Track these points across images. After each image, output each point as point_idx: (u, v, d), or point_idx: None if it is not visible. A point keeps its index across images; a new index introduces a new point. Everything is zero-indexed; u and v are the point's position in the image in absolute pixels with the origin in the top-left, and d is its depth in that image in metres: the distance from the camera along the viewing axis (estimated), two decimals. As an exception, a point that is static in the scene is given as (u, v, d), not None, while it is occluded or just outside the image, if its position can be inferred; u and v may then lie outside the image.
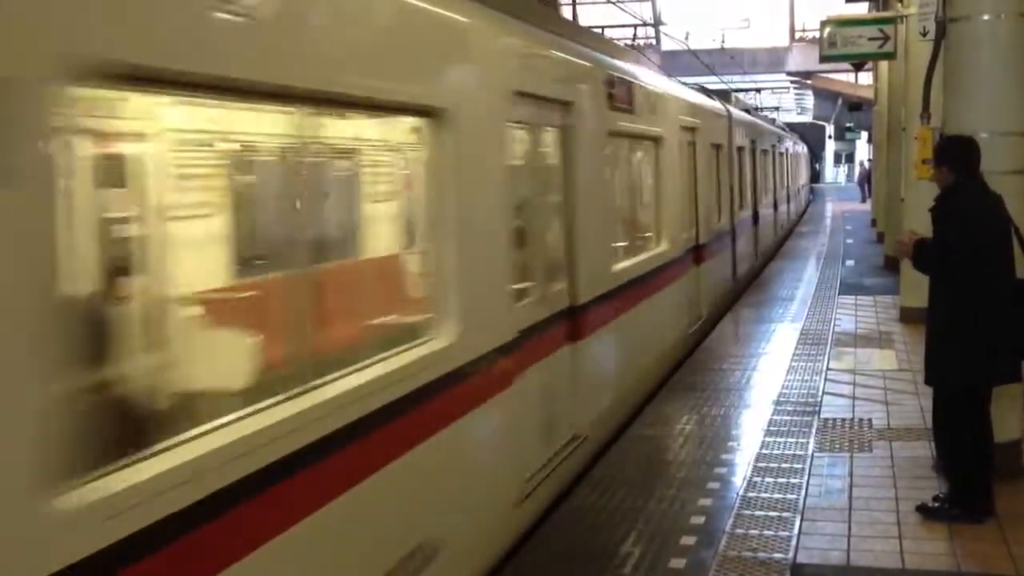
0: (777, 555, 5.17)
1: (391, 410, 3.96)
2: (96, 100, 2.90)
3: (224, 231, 3.90)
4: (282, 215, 3.76)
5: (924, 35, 10.84)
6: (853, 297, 14.34)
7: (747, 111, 20.60)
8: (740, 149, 15.96)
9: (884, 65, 19.04)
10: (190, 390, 3.38)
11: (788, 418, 7.85)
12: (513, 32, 5.80)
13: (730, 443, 7.29)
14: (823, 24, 13.99)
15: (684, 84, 13.36)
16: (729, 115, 14.91)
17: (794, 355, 10.30)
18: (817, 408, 8.15)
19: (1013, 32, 6.38)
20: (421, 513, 4.32)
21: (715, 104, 14.34)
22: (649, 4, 27.29)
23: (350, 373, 3.81)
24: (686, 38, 32.71)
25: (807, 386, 8.91)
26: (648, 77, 9.63)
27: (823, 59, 14.28)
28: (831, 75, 38.23)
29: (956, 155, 5.71)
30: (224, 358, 3.58)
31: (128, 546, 2.54)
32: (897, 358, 10.05)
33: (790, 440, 7.23)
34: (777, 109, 49.00)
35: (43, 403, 2.35)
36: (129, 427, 3.02)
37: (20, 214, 2.30)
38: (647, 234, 9.46)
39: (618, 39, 21.85)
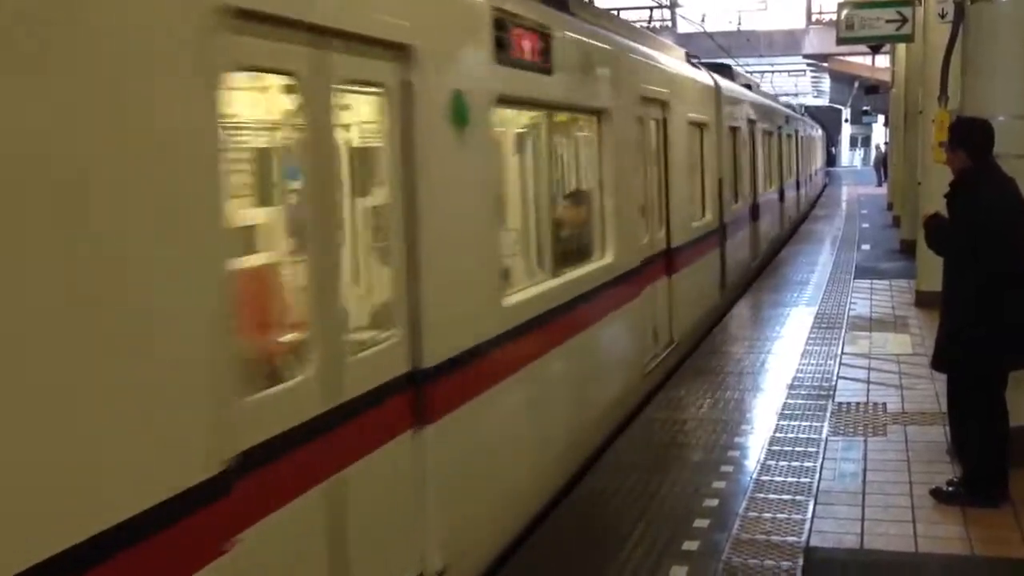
0: (790, 538, 5.18)
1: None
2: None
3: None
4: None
5: (943, 17, 10.77)
6: (868, 281, 14.29)
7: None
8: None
9: (901, 48, 18.92)
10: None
11: (802, 402, 7.85)
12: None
13: (744, 427, 7.30)
14: (840, 6, 13.89)
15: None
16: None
17: (809, 339, 10.28)
18: (831, 392, 8.14)
19: (1033, 14, 6.33)
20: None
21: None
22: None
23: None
24: (702, 20, 32.58)
25: (822, 370, 8.90)
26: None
27: (840, 41, 14.18)
28: (848, 58, 37.98)
29: (972, 138, 5.68)
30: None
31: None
32: (912, 342, 10.03)
33: (804, 424, 7.23)
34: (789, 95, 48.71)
35: None
36: None
37: None
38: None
39: (633, 22, 21.81)
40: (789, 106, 29.84)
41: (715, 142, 11.98)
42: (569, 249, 6.94)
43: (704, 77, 12.08)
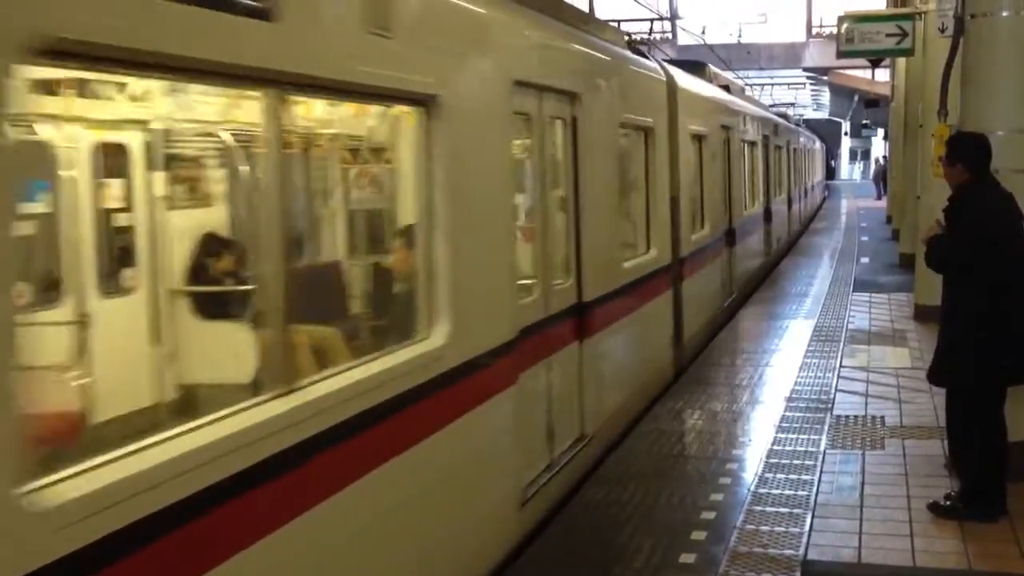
0: (788, 551, 5.17)
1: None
2: None
3: None
4: None
5: (942, 31, 10.80)
6: (867, 294, 14.29)
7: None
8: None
9: (901, 62, 18.96)
10: None
11: (800, 415, 7.84)
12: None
13: (742, 439, 7.29)
14: (840, 20, 13.93)
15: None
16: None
17: (807, 352, 10.27)
18: (830, 405, 8.13)
19: (1032, 29, 6.34)
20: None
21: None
22: (666, -2, 27.42)
23: None
24: (702, 32, 32.66)
25: (820, 383, 8.89)
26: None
27: (840, 55, 14.21)
28: (848, 71, 38.10)
29: (970, 153, 5.69)
30: None
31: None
32: (911, 356, 10.02)
33: (802, 437, 7.22)
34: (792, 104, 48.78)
35: None
36: None
37: None
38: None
39: (634, 33, 21.89)
40: (783, 116, 28.06)
41: (667, 152, 9.17)
42: (345, 336, 4.79)
43: (651, 68, 9.24)
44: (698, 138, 10.89)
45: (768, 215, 17.81)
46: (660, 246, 8.86)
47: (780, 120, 23.16)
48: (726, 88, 14.98)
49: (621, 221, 7.81)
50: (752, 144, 15.85)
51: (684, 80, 10.52)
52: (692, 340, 10.21)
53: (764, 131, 17.78)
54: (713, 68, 15.32)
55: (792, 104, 48.54)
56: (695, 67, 13.22)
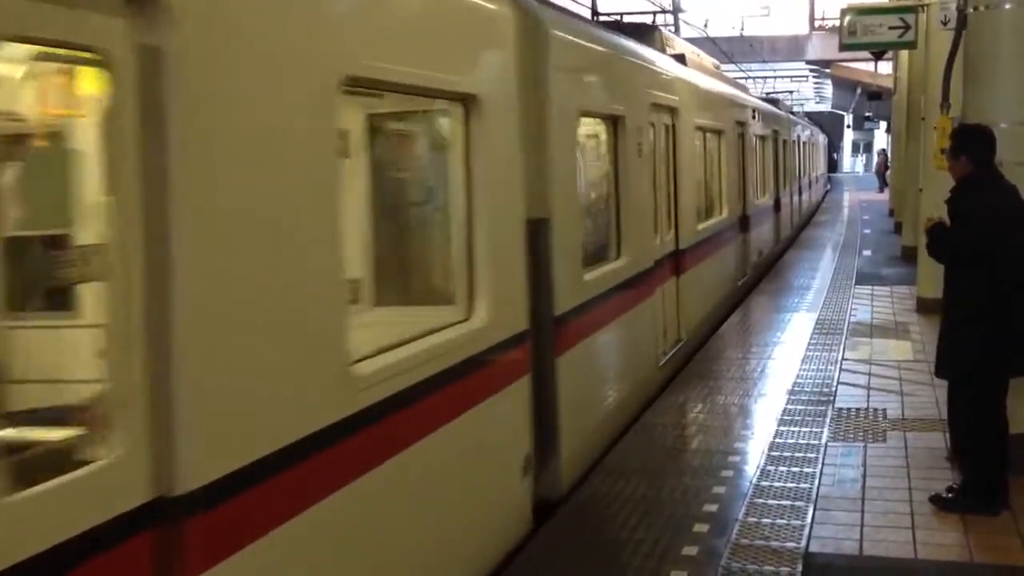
0: (789, 544, 5.17)
1: None
2: None
3: None
4: None
5: (945, 24, 10.78)
6: (870, 287, 14.29)
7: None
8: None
9: (904, 54, 18.92)
10: None
11: (802, 407, 7.84)
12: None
13: (744, 432, 7.29)
14: (843, 12, 13.90)
15: None
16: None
17: (809, 344, 10.28)
18: (832, 398, 8.14)
19: (1035, 22, 6.34)
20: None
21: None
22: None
23: None
24: (705, 26, 32.63)
25: (822, 375, 8.90)
26: None
27: (843, 48, 14.19)
28: (850, 64, 38.06)
29: (974, 145, 5.68)
30: None
31: None
32: (913, 348, 10.02)
33: (804, 429, 7.23)
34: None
35: None
36: None
37: None
38: None
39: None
40: (772, 102, 23.42)
41: (517, 143, 5.38)
42: None
43: None
44: (613, 121, 7.40)
45: (745, 224, 14.21)
46: (499, 306, 5.06)
47: (766, 106, 18.99)
48: (680, 58, 11.00)
49: (359, 278, 4.58)
50: (718, 133, 12.22)
51: (567, 27, 6.47)
52: (588, 441, 6.56)
53: (739, 117, 13.94)
54: (668, 34, 11.97)
55: (790, 93, 48.37)
56: (641, 30, 10.42)
